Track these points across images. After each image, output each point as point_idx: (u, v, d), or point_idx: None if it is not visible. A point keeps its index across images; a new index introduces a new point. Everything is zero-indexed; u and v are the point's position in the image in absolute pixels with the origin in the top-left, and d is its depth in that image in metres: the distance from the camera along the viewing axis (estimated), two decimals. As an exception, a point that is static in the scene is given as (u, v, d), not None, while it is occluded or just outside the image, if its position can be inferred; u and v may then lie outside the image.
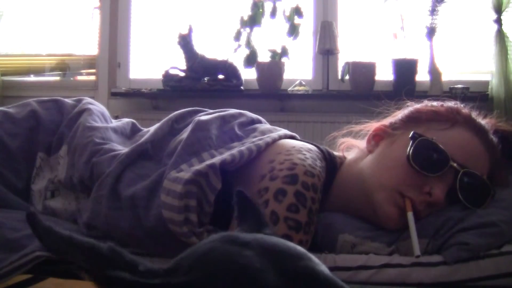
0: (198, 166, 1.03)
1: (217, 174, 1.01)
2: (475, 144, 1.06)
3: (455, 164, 1.02)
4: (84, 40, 3.74)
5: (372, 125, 1.17)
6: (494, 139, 1.09)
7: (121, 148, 1.21)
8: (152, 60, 3.64)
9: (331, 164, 1.13)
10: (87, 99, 1.41)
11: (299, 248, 0.55)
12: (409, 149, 1.02)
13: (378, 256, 1.00)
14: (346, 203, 1.11)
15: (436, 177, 1.01)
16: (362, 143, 1.18)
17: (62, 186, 1.24)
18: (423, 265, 0.95)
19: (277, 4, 3.24)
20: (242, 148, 1.07)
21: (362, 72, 3.15)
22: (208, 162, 1.03)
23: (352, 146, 1.21)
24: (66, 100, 1.39)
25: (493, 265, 0.93)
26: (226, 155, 1.05)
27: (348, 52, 3.31)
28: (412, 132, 1.05)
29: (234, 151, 1.06)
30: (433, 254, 0.98)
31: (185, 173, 1.02)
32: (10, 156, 1.28)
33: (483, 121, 1.11)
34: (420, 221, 1.00)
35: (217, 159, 1.04)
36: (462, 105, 1.13)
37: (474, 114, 1.11)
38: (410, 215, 0.98)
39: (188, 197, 1.00)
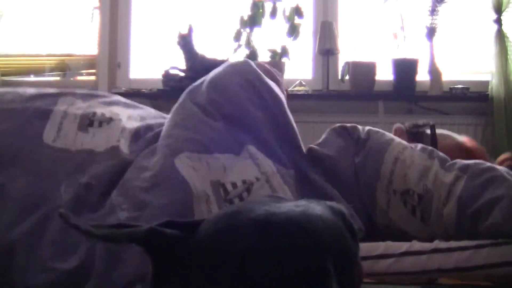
0: None
1: None
2: None
3: None
4: (84, 40, 3.74)
5: None
6: None
7: None
8: (152, 60, 3.64)
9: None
10: None
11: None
12: None
13: (396, 243, 1.00)
14: None
15: None
16: None
17: None
18: (442, 251, 0.96)
19: (277, 4, 3.24)
20: None
21: (362, 72, 3.16)
22: None
23: None
24: None
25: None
26: None
27: (348, 52, 3.31)
28: None
29: None
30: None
31: None
32: None
33: None
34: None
35: None
36: None
37: None
38: None
39: None
